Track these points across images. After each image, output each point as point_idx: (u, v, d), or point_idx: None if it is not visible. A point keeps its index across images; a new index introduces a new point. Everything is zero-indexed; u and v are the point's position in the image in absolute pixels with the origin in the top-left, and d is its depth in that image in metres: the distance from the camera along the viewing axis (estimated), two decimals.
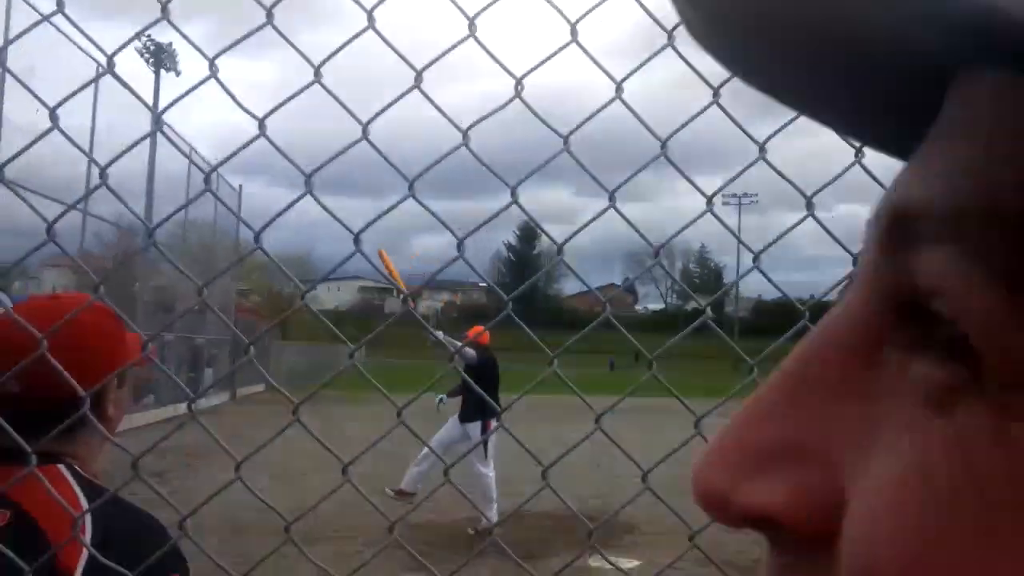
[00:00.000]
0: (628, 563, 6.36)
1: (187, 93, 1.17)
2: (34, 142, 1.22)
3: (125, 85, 1.25)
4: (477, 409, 7.84)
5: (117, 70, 1.25)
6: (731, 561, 6.55)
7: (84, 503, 1.23)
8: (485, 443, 8.07)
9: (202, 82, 1.14)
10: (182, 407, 19.32)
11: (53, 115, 1.18)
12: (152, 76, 25.32)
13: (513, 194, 1.25)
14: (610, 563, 1.47)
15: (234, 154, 1.21)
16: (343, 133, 1.24)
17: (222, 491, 1.34)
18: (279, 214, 1.25)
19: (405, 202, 1.24)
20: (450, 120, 1.21)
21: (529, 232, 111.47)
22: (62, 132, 1.21)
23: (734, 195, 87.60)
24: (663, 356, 1.51)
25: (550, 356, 1.40)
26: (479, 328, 8.37)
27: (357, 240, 1.22)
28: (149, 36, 24.13)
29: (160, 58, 25.27)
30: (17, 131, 9.49)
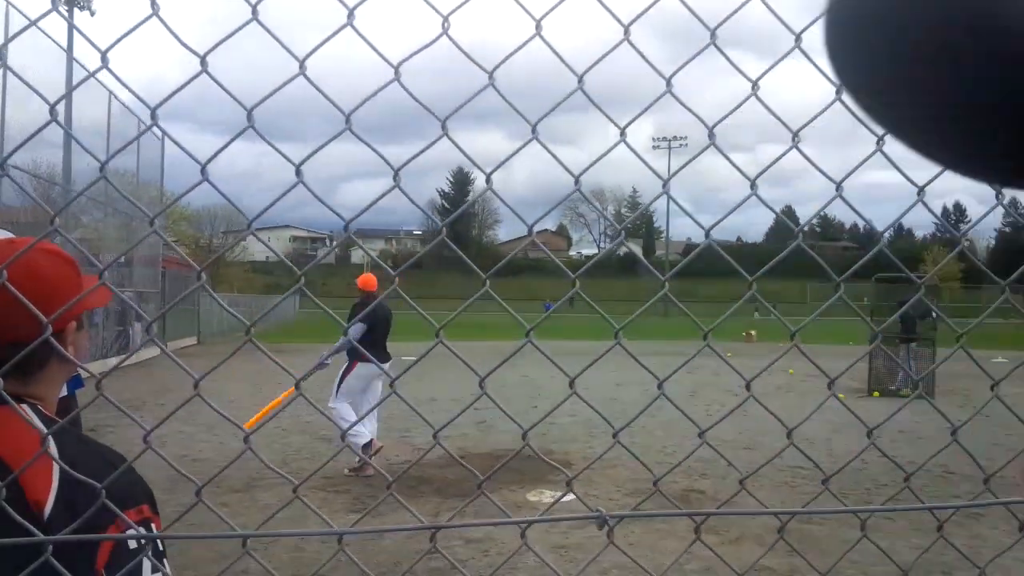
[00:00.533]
0: (563, 497, 6.50)
1: (131, 31, 1.13)
2: None
3: (72, 38, 1.20)
4: (351, 354, 8.70)
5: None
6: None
7: (51, 439, 1.22)
8: (342, 381, 8.80)
9: (145, 20, 1.10)
10: (111, 361, 18.91)
11: None
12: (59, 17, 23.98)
13: (444, 127, 1.25)
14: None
15: (176, 92, 1.18)
16: (269, 78, 1.22)
17: (167, 419, 1.34)
18: (226, 145, 1.22)
19: (335, 150, 1.24)
20: (381, 55, 1.20)
21: (462, 178, 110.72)
22: None
23: (664, 139, 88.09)
24: (596, 300, 1.55)
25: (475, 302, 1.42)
26: (365, 278, 8.96)
27: (299, 172, 1.21)
28: None
29: None
30: None
